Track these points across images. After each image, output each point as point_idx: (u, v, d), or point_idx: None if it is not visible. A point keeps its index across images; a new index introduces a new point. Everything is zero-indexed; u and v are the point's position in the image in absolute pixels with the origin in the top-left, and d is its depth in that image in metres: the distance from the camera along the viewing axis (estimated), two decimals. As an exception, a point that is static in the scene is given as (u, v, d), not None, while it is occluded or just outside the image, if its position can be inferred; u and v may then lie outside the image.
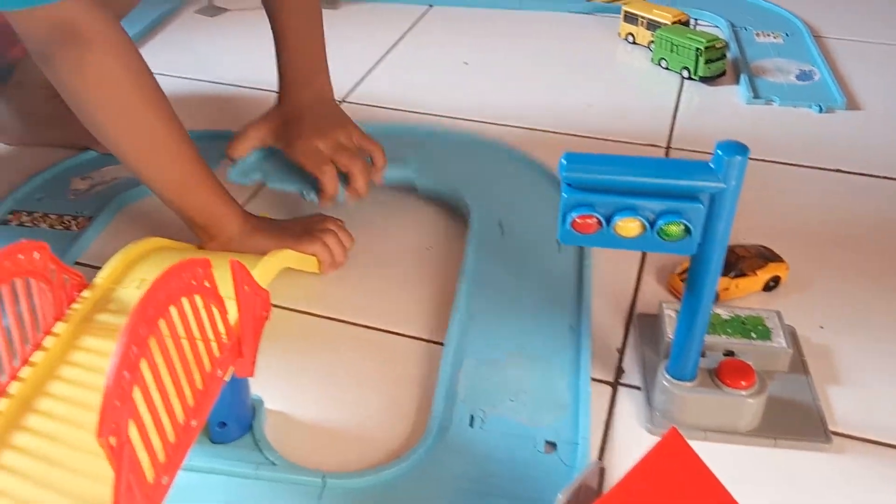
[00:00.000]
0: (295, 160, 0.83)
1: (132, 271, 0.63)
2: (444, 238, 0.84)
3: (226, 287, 0.53)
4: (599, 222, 0.55)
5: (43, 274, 0.53)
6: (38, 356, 0.53)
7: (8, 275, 0.49)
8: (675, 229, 0.55)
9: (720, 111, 1.07)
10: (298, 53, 0.89)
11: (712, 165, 0.53)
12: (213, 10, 1.35)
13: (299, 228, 0.78)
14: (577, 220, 0.55)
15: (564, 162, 0.55)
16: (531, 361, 0.68)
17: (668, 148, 0.99)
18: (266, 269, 0.67)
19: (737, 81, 1.12)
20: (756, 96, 1.07)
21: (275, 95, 0.89)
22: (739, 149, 0.53)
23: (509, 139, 1.00)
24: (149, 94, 0.71)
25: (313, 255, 0.76)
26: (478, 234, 0.81)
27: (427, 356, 0.70)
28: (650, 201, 0.54)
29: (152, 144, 0.72)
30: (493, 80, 1.15)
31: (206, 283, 0.51)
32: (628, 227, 0.55)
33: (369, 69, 1.18)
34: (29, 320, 0.53)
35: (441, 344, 0.70)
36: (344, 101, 1.09)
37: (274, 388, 0.66)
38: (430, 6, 1.38)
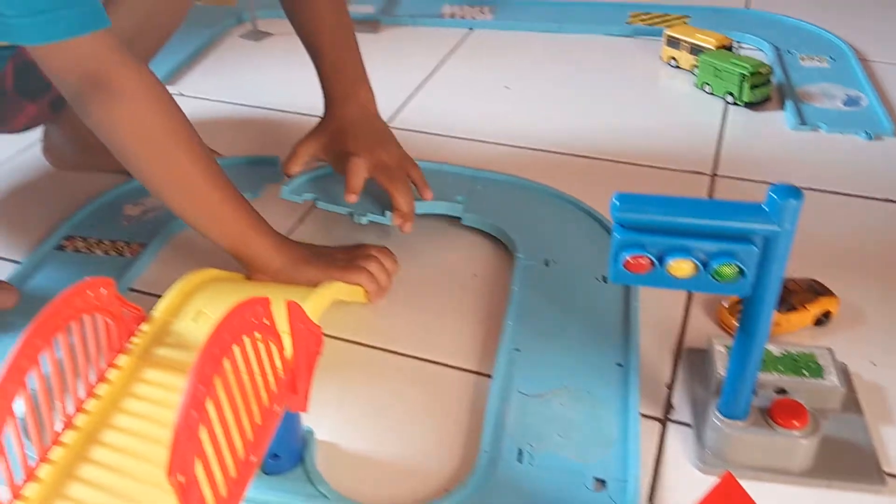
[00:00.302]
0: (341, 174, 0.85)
1: (188, 304, 0.65)
2: (489, 266, 0.85)
3: (281, 321, 0.54)
4: (652, 262, 0.55)
5: (109, 309, 0.54)
6: (102, 388, 0.55)
7: (78, 311, 0.50)
8: (728, 271, 0.55)
9: (766, 137, 1.07)
10: (337, 68, 0.91)
11: (766, 208, 0.53)
12: (258, 35, 1.37)
13: (343, 258, 0.79)
14: (629, 260, 0.55)
15: (617, 202, 0.55)
16: (579, 396, 0.68)
17: (713, 175, 0.99)
18: (317, 304, 0.69)
19: (782, 107, 1.12)
20: (802, 122, 1.07)
21: (318, 120, 0.91)
22: (794, 192, 0.53)
23: (552, 164, 1.01)
24: (180, 139, 0.72)
25: (359, 285, 0.77)
26: (524, 269, 0.81)
27: (475, 388, 0.71)
28: (703, 243, 0.54)
29: (187, 188, 0.73)
30: (534, 105, 1.16)
31: (266, 321, 0.52)
32: (681, 267, 0.55)
33: (410, 94, 1.19)
34: (95, 354, 0.54)
35: (489, 376, 0.71)
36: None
37: (324, 418, 0.67)
38: (471, 29, 1.39)
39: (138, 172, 0.72)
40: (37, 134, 1.02)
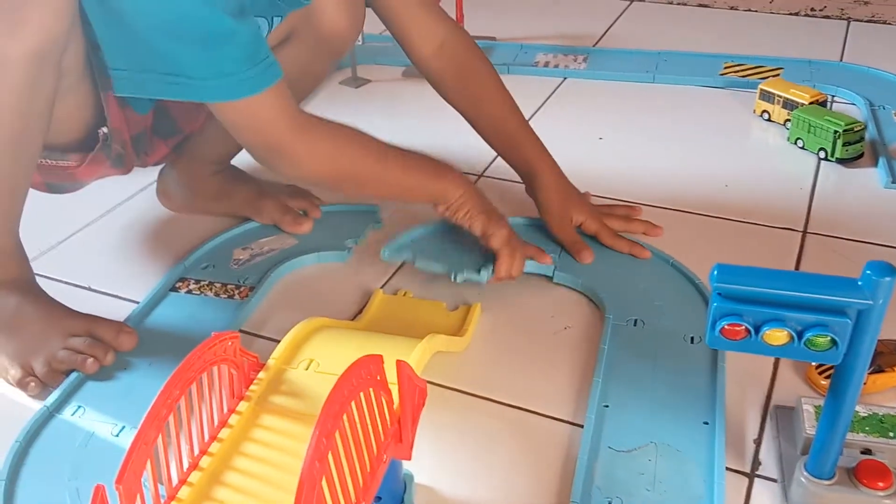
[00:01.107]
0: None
1: (300, 352, 0.69)
2: (582, 318, 0.87)
3: (390, 372, 0.58)
4: (748, 331, 0.57)
5: (233, 360, 0.59)
6: (224, 433, 0.59)
7: (209, 363, 0.55)
8: (821, 341, 0.57)
9: (858, 194, 1.07)
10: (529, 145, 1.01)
11: (861, 283, 0.55)
12: (357, 81, 1.44)
13: (497, 216, 0.90)
14: (726, 328, 0.58)
15: (716, 273, 0.57)
16: (666, 452, 0.70)
17: (804, 232, 0.99)
18: (422, 358, 0.72)
19: (875, 164, 1.12)
20: (894, 181, 1.06)
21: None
22: (888, 270, 0.54)
23: (644, 218, 1.03)
24: (354, 167, 0.86)
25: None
26: (613, 328, 0.84)
27: (569, 438, 0.73)
28: (799, 314, 0.56)
29: (377, 183, 0.89)
30: (627, 157, 1.18)
31: (378, 377, 0.56)
32: (776, 336, 0.57)
33: (505, 143, 1.23)
34: (219, 400, 0.59)
35: (581, 426, 0.73)
36: (483, 176, 1.15)
37: (422, 461, 0.70)
38: (565, 78, 1.42)
39: (335, 188, 0.95)
40: (150, 177, 1.09)
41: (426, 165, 0.90)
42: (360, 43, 1.38)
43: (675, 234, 1.00)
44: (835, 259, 0.95)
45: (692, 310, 0.86)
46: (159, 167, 1.06)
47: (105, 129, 0.86)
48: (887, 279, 0.54)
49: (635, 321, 0.84)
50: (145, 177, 1.11)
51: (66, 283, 0.96)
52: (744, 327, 0.57)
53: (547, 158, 1.00)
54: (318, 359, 0.68)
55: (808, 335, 0.56)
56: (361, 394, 0.53)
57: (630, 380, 0.77)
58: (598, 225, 0.97)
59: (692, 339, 0.82)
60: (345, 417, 0.51)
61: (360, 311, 0.89)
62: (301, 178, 0.89)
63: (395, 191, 0.91)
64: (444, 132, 1.20)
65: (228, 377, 0.60)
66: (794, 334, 0.56)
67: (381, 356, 0.56)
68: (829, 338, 0.56)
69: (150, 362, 0.82)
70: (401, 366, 0.57)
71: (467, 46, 1.01)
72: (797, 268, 0.94)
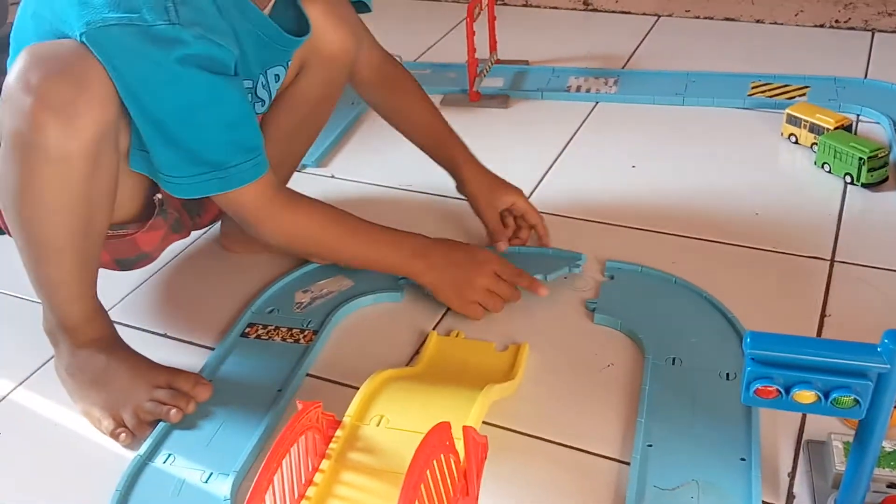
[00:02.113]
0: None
1: (371, 408, 0.77)
2: (622, 356, 0.94)
3: (456, 427, 0.65)
4: (778, 391, 0.64)
5: (318, 426, 0.67)
6: (311, 490, 0.67)
7: (300, 433, 0.63)
8: (846, 400, 0.63)
9: (883, 220, 1.12)
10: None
11: (879, 350, 0.61)
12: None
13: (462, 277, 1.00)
14: (760, 389, 0.64)
15: (749, 340, 0.64)
16: (707, 489, 0.77)
17: (832, 261, 1.05)
18: (481, 413, 0.79)
19: (901, 187, 1.16)
20: (918, 205, 1.11)
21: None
22: (906, 339, 0.60)
23: (676, 248, 1.09)
24: (331, 239, 0.98)
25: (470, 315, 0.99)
26: (653, 368, 0.90)
27: (616, 475, 0.80)
28: (824, 377, 0.62)
29: (349, 251, 1.00)
30: (660, 184, 1.24)
31: (447, 443, 0.63)
32: (804, 396, 0.63)
33: (544, 172, 1.29)
34: (305, 462, 0.67)
35: (628, 463, 0.80)
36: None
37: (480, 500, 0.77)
38: (597, 103, 1.48)
39: (308, 255, 1.07)
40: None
41: (396, 244, 1.00)
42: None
43: (708, 264, 1.06)
44: (862, 289, 1.00)
45: (726, 346, 0.92)
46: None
47: (159, 195, 0.94)
48: (903, 347, 0.60)
49: (673, 360, 0.91)
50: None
51: (143, 330, 1.04)
52: (775, 388, 0.64)
53: (469, 154, 1.13)
54: (388, 414, 0.75)
55: (833, 395, 0.62)
56: (434, 461, 0.61)
57: (671, 419, 0.84)
58: (526, 205, 1.10)
59: (727, 375, 0.88)
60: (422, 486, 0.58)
61: (417, 352, 0.97)
62: (277, 244, 0.99)
63: (363, 263, 1.02)
64: (487, 159, 1.26)
65: (313, 440, 0.68)
66: (820, 395, 0.63)
67: (448, 424, 0.63)
68: (852, 398, 0.62)
69: (230, 410, 0.89)
70: (466, 431, 0.64)
71: (394, 65, 1.16)
72: (826, 298, 0.99)
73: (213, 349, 0.99)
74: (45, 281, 0.89)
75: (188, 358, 0.98)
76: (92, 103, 0.78)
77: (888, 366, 0.61)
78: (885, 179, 1.17)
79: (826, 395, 0.63)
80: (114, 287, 1.10)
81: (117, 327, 0.97)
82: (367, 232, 0.99)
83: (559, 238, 1.13)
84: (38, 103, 0.76)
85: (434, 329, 1.00)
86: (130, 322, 1.05)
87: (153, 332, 1.04)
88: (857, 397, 0.62)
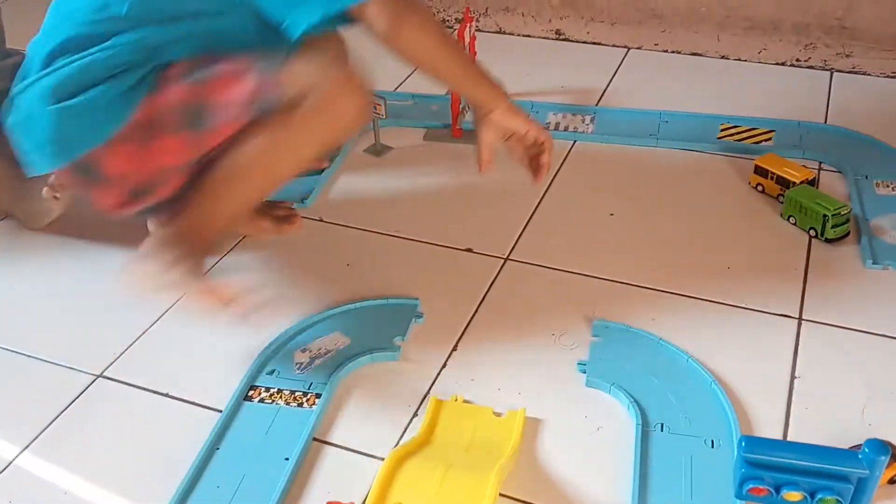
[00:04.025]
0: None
1: (389, 495, 0.82)
2: (611, 417, 1.00)
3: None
4: (769, 491, 0.71)
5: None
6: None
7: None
8: (830, 500, 0.70)
9: (845, 276, 1.19)
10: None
11: (860, 457, 0.68)
12: (379, 149, 1.52)
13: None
14: (752, 488, 0.71)
15: (744, 444, 0.70)
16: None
17: (800, 319, 1.12)
18: (495, 495, 0.84)
19: (859, 241, 1.24)
20: (875, 261, 1.19)
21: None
22: (883, 449, 0.67)
23: (656, 304, 1.16)
24: (445, 33, 1.12)
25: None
26: (642, 433, 0.96)
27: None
28: (810, 479, 0.69)
29: (456, 65, 1.12)
30: (636, 234, 1.30)
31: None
32: (793, 496, 0.71)
33: (526, 221, 1.34)
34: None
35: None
36: (509, 259, 1.26)
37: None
38: (574, 141, 1.53)
39: (425, 63, 1.11)
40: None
41: (488, 75, 1.15)
42: (382, 116, 1.47)
43: (685, 321, 1.13)
44: (830, 350, 1.07)
45: (709, 411, 0.99)
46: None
47: None
48: (882, 458, 0.67)
49: (661, 426, 0.97)
50: None
51: (145, 389, 1.07)
52: (766, 488, 0.70)
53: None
54: (406, 502, 0.80)
55: (819, 496, 0.70)
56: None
57: (661, 486, 0.90)
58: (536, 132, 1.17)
59: (712, 442, 0.95)
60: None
61: (416, 413, 1.01)
62: (410, 48, 1.08)
63: (459, 79, 1.14)
64: (471, 200, 1.31)
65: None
66: (807, 495, 0.70)
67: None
68: (835, 498, 0.70)
69: (241, 481, 0.93)
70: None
71: None
72: (795, 358, 1.07)
73: (215, 409, 1.03)
74: None
75: (192, 419, 1.02)
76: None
77: (867, 471, 0.68)
78: (847, 234, 1.25)
79: (812, 495, 0.70)
80: (107, 343, 1.13)
81: (115, 385, 1.04)
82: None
83: (540, 289, 1.19)
84: None
85: (431, 388, 1.05)
86: (130, 380, 1.08)
87: (155, 392, 1.07)
88: (840, 498, 0.69)
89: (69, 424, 1.03)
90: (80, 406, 1.05)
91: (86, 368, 1.10)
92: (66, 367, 1.11)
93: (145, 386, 1.07)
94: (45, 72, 1.03)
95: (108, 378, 1.09)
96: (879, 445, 0.68)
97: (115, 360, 1.11)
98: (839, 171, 1.41)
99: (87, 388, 1.07)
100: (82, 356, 1.12)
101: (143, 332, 1.15)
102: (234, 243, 1.31)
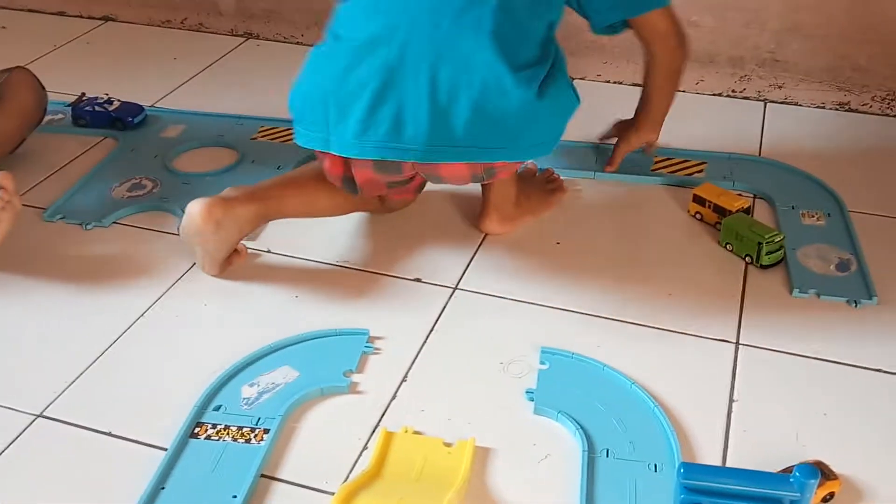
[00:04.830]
0: None
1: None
2: (559, 446, 1.01)
3: None
4: (707, 515, 0.73)
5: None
6: None
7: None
8: (765, 522, 0.73)
9: (778, 301, 1.23)
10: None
11: (792, 480, 0.71)
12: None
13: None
14: (691, 513, 0.73)
15: (682, 471, 0.72)
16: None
17: (737, 344, 1.16)
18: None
19: (787, 268, 1.29)
20: (802, 290, 1.24)
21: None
22: (813, 473, 0.71)
23: (601, 331, 1.18)
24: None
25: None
26: (588, 459, 0.98)
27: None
28: (746, 503, 0.72)
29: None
30: (581, 263, 1.32)
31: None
32: (730, 519, 0.73)
33: (473, 252, 1.36)
34: None
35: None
36: (458, 288, 1.27)
37: None
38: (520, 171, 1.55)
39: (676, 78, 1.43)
40: (138, 312, 1.21)
41: None
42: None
43: (630, 347, 1.15)
44: (766, 373, 1.11)
45: (652, 436, 1.01)
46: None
47: None
48: (812, 481, 0.70)
49: (607, 451, 0.99)
50: (133, 313, 1.23)
51: (86, 428, 1.05)
52: (705, 513, 0.73)
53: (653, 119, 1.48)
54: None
55: (753, 518, 0.72)
56: None
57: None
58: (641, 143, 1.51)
59: (655, 466, 0.97)
60: None
61: (366, 446, 1.02)
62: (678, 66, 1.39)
63: (672, 97, 1.45)
64: (420, 230, 1.34)
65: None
66: (743, 517, 0.73)
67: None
68: (769, 520, 0.72)
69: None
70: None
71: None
72: (733, 382, 1.10)
73: (160, 448, 1.02)
74: None
75: (136, 458, 1.00)
76: None
77: (798, 494, 0.71)
78: (781, 260, 1.29)
79: (747, 517, 0.73)
80: (46, 382, 1.11)
81: (55, 425, 1.02)
82: None
83: (489, 318, 1.21)
84: None
85: (381, 420, 1.05)
86: (71, 420, 1.06)
87: (97, 431, 1.05)
88: (774, 520, 0.72)
89: (7, 466, 1.00)
90: (18, 447, 1.03)
91: (24, 408, 1.08)
92: (3, 406, 1.08)
93: (87, 425, 1.06)
94: None
95: (48, 418, 1.07)
96: (809, 469, 0.71)
97: (56, 399, 1.09)
98: (769, 202, 1.46)
99: (25, 428, 1.05)
100: (20, 396, 1.10)
101: (85, 369, 1.14)
102: (186, 269, 1.31)
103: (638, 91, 1.46)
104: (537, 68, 1.16)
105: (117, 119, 1.70)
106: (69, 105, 1.74)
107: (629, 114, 1.51)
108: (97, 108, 1.71)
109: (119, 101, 1.73)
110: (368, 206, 1.40)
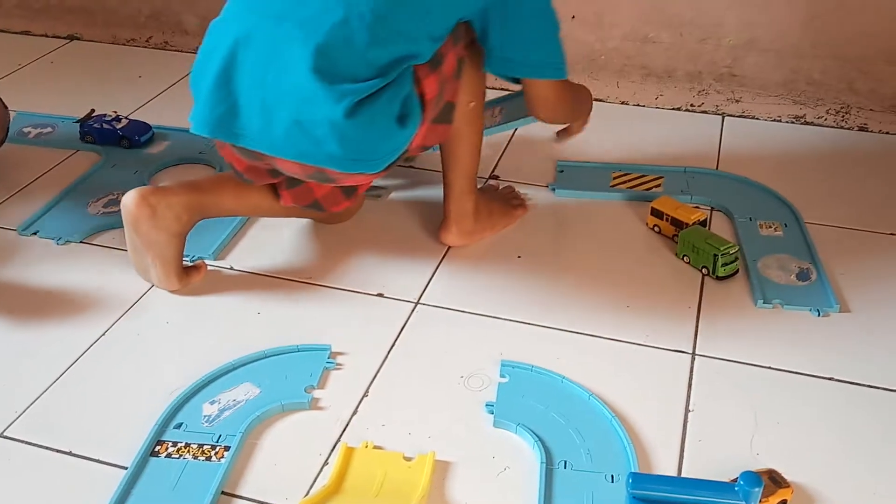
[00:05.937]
0: None
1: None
2: (518, 458, 1.03)
3: None
4: (656, 524, 0.75)
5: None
6: None
7: None
8: (711, 529, 0.74)
9: (734, 312, 1.26)
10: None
11: (737, 489, 0.73)
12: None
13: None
14: (626, 522, 0.75)
15: (631, 481, 0.74)
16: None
17: (693, 354, 1.18)
18: None
19: (748, 279, 1.31)
20: (765, 301, 1.26)
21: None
22: (756, 482, 0.73)
23: (560, 344, 1.20)
24: (574, 95, 1.42)
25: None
26: (546, 471, 0.99)
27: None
28: (693, 511, 0.74)
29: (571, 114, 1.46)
30: (542, 276, 1.34)
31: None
32: (678, 527, 0.75)
33: (435, 268, 1.37)
34: None
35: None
36: (419, 303, 1.28)
37: None
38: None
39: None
40: (99, 331, 1.20)
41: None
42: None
43: (588, 359, 1.17)
44: (721, 385, 1.13)
45: (609, 447, 1.02)
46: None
47: None
48: (756, 489, 0.72)
49: (565, 463, 1.01)
50: (95, 331, 1.22)
51: (46, 448, 1.05)
52: (650, 521, 0.74)
53: None
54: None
55: (701, 525, 0.74)
56: None
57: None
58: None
59: (612, 477, 0.98)
60: None
61: (327, 461, 1.02)
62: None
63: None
64: (382, 245, 1.34)
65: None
66: (690, 524, 0.74)
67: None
68: (716, 527, 0.74)
69: (149, 538, 0.93)
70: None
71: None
72: (689, 392, 1.12)
73: (120, 466, 1.02)
74: None
75: (96, 477, 1.00)
76: None
77: (743, 502, 0.73)
78: (737, 272, 1.32)
79: (695, 524, 0.74)
80: (5, 402, 1.11)
81: (15, 445, 1.02)
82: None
83: (450, 332, 1.22)
84: None
85: (342, 435, 1.06)
86: (31, 440, 1.06)
87: (57, 451, 1.05)
88: (720, 527, 0.74)
89: (-32, 488, 1.00)
90: (-21, 469, 1.03)
91: (-16, 429, 1.08)
92: (-36, 428, 1.08)
93: (47, 445, 1.05)
94: None
95: (8, 438, 1.06)
96: (753, 478, 0.73)
97: (16, 420, 1.09)
98: (727, 214, 1.49)
99: (-14, 449, 1.05)
100: (-20, 417, 1.10)
101: (46, 389, 1.14)
102: (149, 287, 1.31)
103: (597, 105, 1.49)
104: (361, 85, 1.11)
105: (124, 137, 1.70)
106: (77, 121, 1.74)
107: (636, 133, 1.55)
108: (105, 125, 1.71)
109: (127, 119, 1.73)
110: (306, 213, 1.41)
